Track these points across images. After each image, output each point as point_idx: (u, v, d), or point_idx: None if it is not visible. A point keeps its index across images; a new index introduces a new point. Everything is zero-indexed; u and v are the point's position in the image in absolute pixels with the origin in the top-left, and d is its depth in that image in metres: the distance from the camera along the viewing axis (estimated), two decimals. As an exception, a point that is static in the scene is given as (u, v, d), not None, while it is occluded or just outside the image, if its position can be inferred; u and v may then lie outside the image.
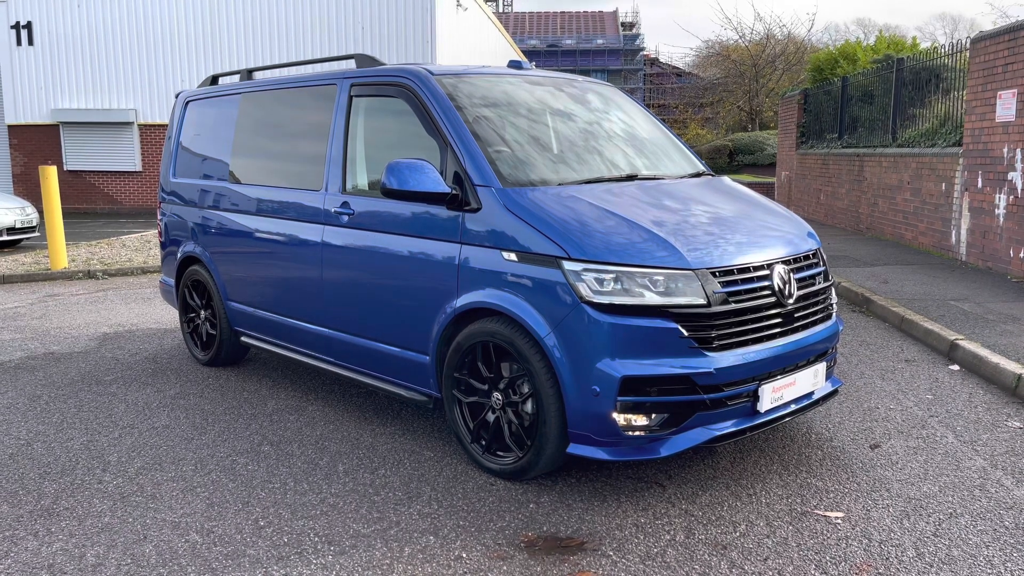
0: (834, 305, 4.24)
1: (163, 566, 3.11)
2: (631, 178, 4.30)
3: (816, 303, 4.02)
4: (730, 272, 3.59)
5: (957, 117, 10.56)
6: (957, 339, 5.98)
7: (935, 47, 12.11)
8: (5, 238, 13.03)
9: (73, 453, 4.30)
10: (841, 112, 15.09)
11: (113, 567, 3.11)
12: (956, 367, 5.74)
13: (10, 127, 21.08)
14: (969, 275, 8.88)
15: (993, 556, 3.13)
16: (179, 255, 6.08)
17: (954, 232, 10.17)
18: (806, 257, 4.05)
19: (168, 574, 3.05)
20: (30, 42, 20.70)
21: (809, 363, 3.94)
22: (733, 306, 3.54)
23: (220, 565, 3.11)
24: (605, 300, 3.42)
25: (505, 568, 3.06)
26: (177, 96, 6.41)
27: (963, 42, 10.52)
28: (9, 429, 4.68)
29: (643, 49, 66.58)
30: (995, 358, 5.44)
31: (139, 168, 21.32)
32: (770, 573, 3.01)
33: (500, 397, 3.82)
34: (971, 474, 3.89)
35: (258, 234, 5.21)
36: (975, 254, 9.58)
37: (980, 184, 9.47)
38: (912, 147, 11.63)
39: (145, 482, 3.90)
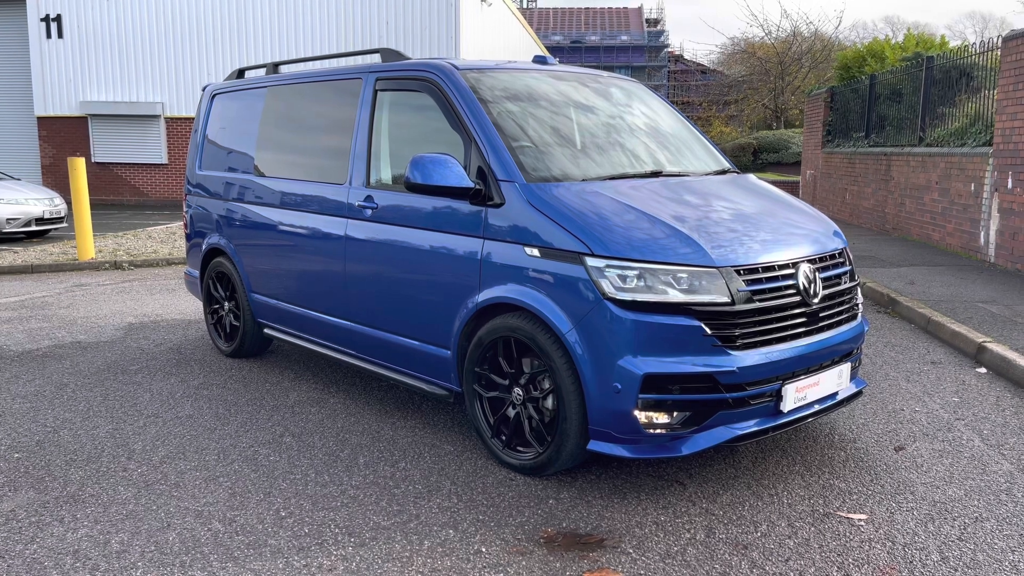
0: (859, 305, 4.19)
1: (186, 553, 3.14)
2: (656, 174, 4.28)
3: (841, 303, 3.98)
4: (755, 270, 3.57)
5: (987, 116, 10.39)
6: (985, 341, 5.89)
7: (965, 45, 11.93)
8: (34, 228, 13.23)
9: (99, 441, 4.35)
10: (868, 111, 14.91)
11: (137, 553, 3.14)
12: (983, 370, 5.65)
13: (39, 119, 21.39)
14: (998, 277, 8.74)
15: (1019, 561, 3.08)
16: (204, 247, 6.14)
17: (983, 233, 10.02)
18: (832, 256, 4.01)
19: (191, 562, 3.08)
20: (59, 35, 20.97)
21: (833, 363, 3.90)
22: (757, 305, 3.51)
23: (242, 554, 3.13)
24: (628, 297, 3.40)
25: (524, 563, 3.06)
26: (204, 89, 6.47)
27: (994, 40, 10.35)
28: (36, 416, 4.76)
29: (668, 46, 66.13)
30: (1024, 361, 5.36)
31: (165, 161, 21.55)
32: (791, 574, 2.98)
33: (521, 392, 3.82)
34: (997, 478, 3.83)
35: (282, 227, 5.25)
36: (1004, 256, 9.43)
37: (1010, 185, 9.32)
38: (941, 147, 11.47)
39: (169, 471, 3.95)
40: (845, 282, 4.03)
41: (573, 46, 64.27)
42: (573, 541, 3.23)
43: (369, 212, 4.53)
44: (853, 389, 4.12)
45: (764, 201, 4.25)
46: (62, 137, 21.43)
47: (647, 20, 69.19)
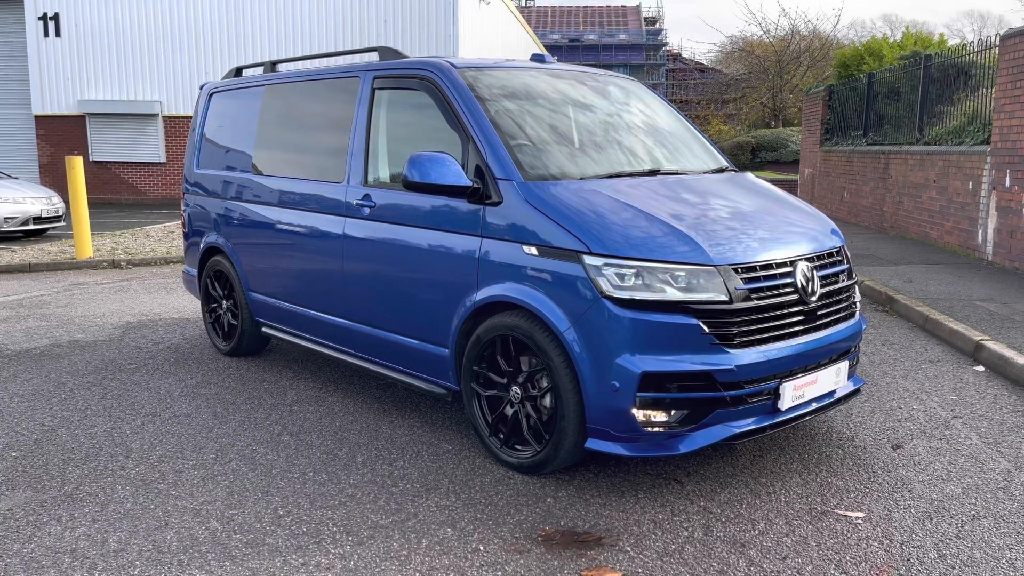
0: (857, 303, 4.20)
1: (183, 552, 3.14)
2: (654, 173, 4.28)
3: (839, 301, 3.98)
4: (752, 268, 3.57)
5: (985, 115, 10.40)
6: (982, 340, 5.89)
7: (963, 44, 11.92)
8: (32, 227, 13.22)
9: (96, 440, 4.35)
10: (866, 109, 14.91)
11: (135, 552, 3.14)
12: (981, 368, 5.66)
13: (37, 118, 21.36)
14: (995, 275, 8.75)
15: (1016, 559, 3.09)
16: (202, 246, 6.13)
17: (980, 231, 10.03)
18: (830, 255, 4.01)
19: (188, 560, 3.08)
20: (57, 33, 20.94)
21: (831, 361, 3.90)
22: (755, 303, 3.51)
23: (240, 553, 3.13)
24: (626, 295, 3.40)
25: (522, 561, 3.06)
26: (201, 88, 6.46)
27: (992, 39, 10.36)
28: (34, 415, 4.75)
29: (666, 44, 66.08)
30: (1021, 359, 5.36)
31: (163, 159, 21.53)
32: (789, 572, 2.99)
33: (519, 391, 3.82)
34: (995, 476, 3.84)
35: (280, 225, 5.24)
36: (1002, 254, 9.44)
37: (1008, 183, 9.33)
38: (939, 145, 11.47)
39: (167, 469, 3.94)
40: (843, 280, 4.03)
41: (571, 44, 64.22)
42: (571, 539, 3.23)
43: (367, 211, 4.53)
44: (851, 387, 4.13)
45: (762, 199, 4.25)
46: (60, 136, 21.40)
47: (645, 18, 69.15)
